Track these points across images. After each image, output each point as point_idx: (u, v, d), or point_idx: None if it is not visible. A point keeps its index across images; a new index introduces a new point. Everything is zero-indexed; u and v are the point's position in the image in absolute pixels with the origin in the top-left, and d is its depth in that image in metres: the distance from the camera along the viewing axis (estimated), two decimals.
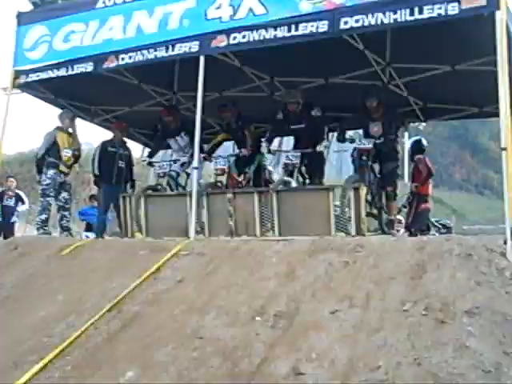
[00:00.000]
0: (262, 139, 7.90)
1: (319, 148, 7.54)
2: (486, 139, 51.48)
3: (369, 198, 7.18)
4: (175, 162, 8.22)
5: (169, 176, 8.16)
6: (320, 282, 4.75)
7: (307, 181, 7.81)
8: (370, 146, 7.12)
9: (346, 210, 6.61)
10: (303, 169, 7.69)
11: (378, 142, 7.13)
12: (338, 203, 6.66)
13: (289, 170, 7.34)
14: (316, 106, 7.63)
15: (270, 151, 7.69)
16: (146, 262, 5.76)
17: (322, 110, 7.68)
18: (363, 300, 4.35)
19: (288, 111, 7.75)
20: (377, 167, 7.35)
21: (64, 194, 8.52)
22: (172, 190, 8.17)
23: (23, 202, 11.69)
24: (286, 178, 7.27)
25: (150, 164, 8.59)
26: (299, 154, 7.31)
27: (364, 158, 7.20)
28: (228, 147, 8.35)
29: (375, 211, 7.38)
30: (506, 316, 3.85)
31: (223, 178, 7.94)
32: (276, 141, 7.64)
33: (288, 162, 7.31)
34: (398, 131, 7.84)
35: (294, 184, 7.19)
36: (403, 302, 4.19)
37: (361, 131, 7.38)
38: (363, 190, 6.72)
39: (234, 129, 8.28)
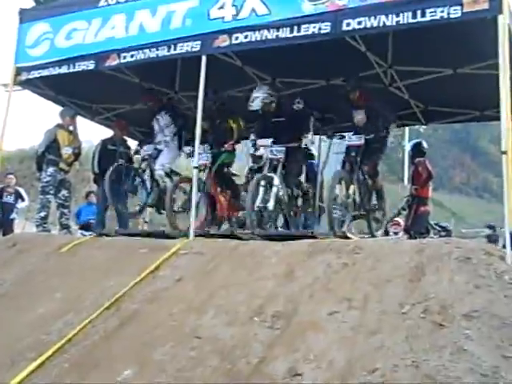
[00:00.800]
0: (251, 134, 7.69)
1: (304, 141, 7.32)
2: (487, 142, 51.39)
3: (357, 198, 7.15)
4: (158, 144, 8.39)
5: (149, 156, 8.28)
6: (318, 283, 4.75)
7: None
8: (362, 141, 7.08)
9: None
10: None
11: (367, 137, 7.10)
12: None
13: (273, 165, 7.10)
14: (298, 98, 7.53)
15: (255, 145, 7.47)
16: (145, 260, 5.76)
17: (321, 113, 7.64)
18: (361, 302, 4.35)
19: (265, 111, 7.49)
20: (365, 168, 7.33)
21: (64, 192, 8.53)
22: (151, 171, 8.28)
23: (23, 199, 11.63)
24: (268, 174, 7.04)
25: (137, 152, 8.67)
26: (284, 148, 7.08)
27: (353, 153, 7.16)
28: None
29: (364, 212, 7.36)
30: (505, 320, 3.85)
31: (203, 175, 7.62)
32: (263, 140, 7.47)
33: (272, 156, 7.10)
34: (390, 127, 7.56)
35: (276, 180, 6.93)
36: (401, 305, 4.19)
37: (351, 134, 7.33)
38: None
39: (213, 110, 7.75)
